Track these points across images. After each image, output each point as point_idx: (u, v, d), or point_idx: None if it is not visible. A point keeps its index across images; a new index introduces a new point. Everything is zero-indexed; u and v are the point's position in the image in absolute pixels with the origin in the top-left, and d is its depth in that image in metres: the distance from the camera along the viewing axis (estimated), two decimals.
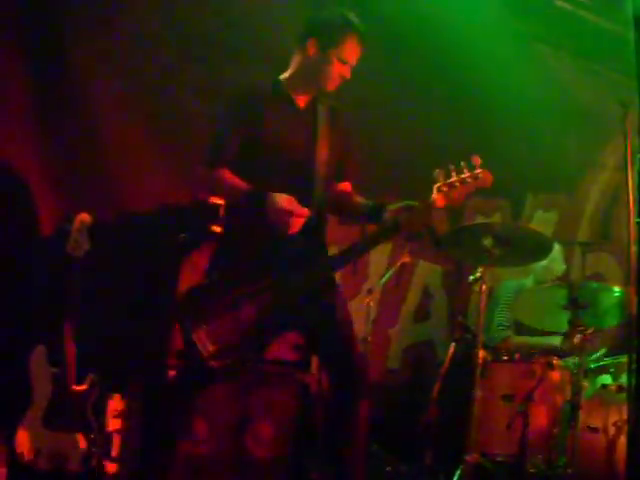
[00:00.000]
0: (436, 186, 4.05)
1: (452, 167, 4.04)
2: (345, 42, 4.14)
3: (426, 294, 6.46)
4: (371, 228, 4.24)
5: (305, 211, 4.01)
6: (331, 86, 4.21)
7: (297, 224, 3.99)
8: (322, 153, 4.22)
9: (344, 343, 4.12)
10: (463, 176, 4.05)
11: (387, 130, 6.16)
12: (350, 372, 4.09)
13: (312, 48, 4.17)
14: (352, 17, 4.19)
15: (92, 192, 5.29)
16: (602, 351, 5.58)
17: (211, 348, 3.95)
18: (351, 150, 4.40)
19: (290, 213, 3.96)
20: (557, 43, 6.60)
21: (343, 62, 4.16)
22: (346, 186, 4.38)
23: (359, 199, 4.33)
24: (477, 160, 4.05)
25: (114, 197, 5.35)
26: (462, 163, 4.05)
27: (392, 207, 4.11)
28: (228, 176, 4.11)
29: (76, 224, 4.77)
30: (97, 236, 4.79)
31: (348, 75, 4.20)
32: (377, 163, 6.02)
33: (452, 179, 4.05)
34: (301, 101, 4.27)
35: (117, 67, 5.41)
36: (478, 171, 4.06)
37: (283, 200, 3.98)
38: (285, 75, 4.27)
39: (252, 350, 4.05)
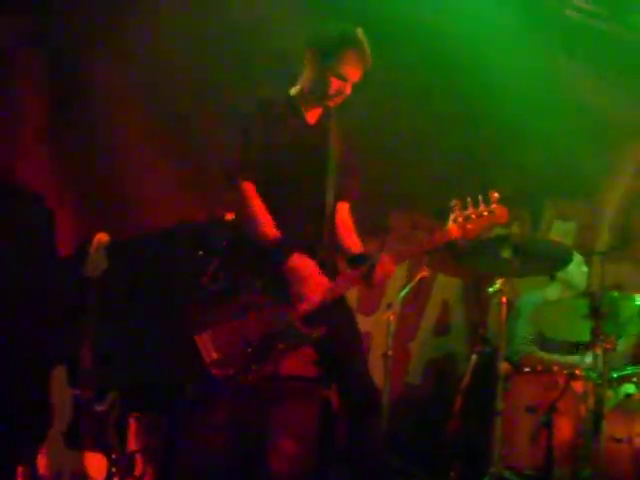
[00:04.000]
0: (452, 217, 4.08)
1: (469, 200, 4.06)
2: (343, 58, 4.02)
3: (445, 308, 6.44)
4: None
5: (323, 281, 3.99)
6: (331, 102, 4.14)
7: (313, 295, 3.98)
8: (333, 170, 4.16)
9: (353, 363, 4.12)
10: (479, 209, 4.07)
11: (397, 140, 6.14)
12: (359, 392, 4.09)
13: (311, 62, 4.11)
14: (354, 32, 4.06)
15: (110, 211, 5.30)
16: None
17: (214, 355, 3.95)
18: (357, 170, 4.35)
19: (306, 282, 3.96)
20: (571, 52, 6.59)
21: (342, 79, 4.06)
22: (344, 207, 4.32)
23: (347, 239, 4.28)
24: (494, 195, 4.07)
25: (132, 216, 5.36)
26: (480, 197, 4.07)
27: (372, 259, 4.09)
28: (253, 199, 4.07)
29: (94, 244, 4.79)
30: (115, 254, 4.80)
31: (348, 92, 4.11)
32: (386, 176, 6.03)
33: (469, 211, 4.08)
34: (311, 117, 4.23)
35: (133, 86, 5.42)
36: (494, 206, 4.08)
37: (302, 267, 3.97)
38: (294, 90, 4.22)
39: (256, 362, 4.03)
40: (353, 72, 4.07)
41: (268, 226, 4.05)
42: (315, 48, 4.09)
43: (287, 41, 5.16)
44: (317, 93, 4.13)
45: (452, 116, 6.31)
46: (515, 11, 6.24)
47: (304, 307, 3.98)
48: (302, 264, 3.99)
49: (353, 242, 4.26)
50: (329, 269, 4.12)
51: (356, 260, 4.17)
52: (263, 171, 4.10)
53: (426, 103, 6.22)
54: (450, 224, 4.08)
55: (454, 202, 4.09)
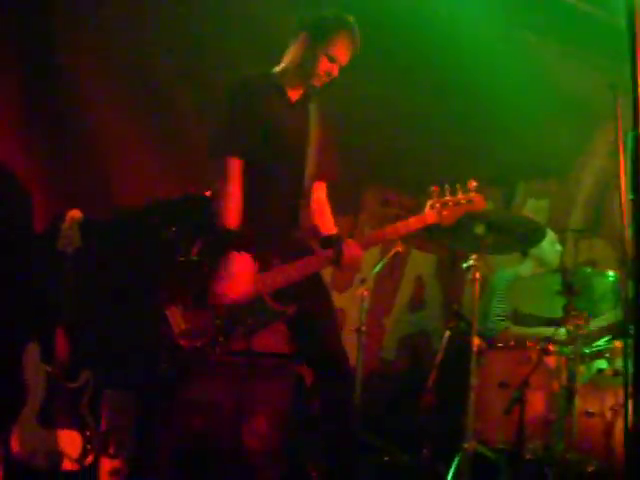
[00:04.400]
0: (429, 202, 4.14)
1: (447, 187, 4.13)
2: (335, 39, 4.15)
3: (420, 283, 6.46)
4: None
5: (246, 287, 3.98)
6: (317, 82, 4.22)
7: (230, 293, 3.98)
8: (312, 150, 4.23)
9: (326, 339, 4.17)
10: (457, 197, 4.15)
11: (376, 122, 6.16)
12: (332, 368, 4.14)
13: (303, 42, 4.19)
14: (347, 17, 4.20)
15: (83, 188, 5.29)
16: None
17: (183, 326, 3.97)
18: (334, 150, 4.39)
19: (230, 278, 3.97)
20: (543, 30, 6.59)
21: (331, 59, 4.17)
22: (321, 187, 4.36)
23: (320, 219, 4.32)
24: (472, 184, 4.15)
25: (105, 193, 5.35)
26: (457, 185, 4.14)
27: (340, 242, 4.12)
28: (234, 178, 4.07)
29: (67, 221, 4.78)
30: (88, 232, 4.79)
31: (335, 73, 4.20)
32: (358, 155, 6.04)
33: (446, 198, 4.15)
34: (293, 95, 4.29)
35: (106, 65, 5.40)
36: (472, 195, 4.16)
37: (235, 264, 3.97)
38: (278, 68, 4.28)
39: (224, 335, 4.04)
40: (342, 54, 4.18)
41: (234, 213, 4.04)
42: (308, 28, 4.19)
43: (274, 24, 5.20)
44: (305, 72, 4.20)
45: (426, 96, 6.31)
46: None
47: (216, 301, 3.99)
48: (238, 262, 3.99)
49: (326, 223, 4.29)
50: (303, 249, 4.15)
51: (326, 241, 4.21)
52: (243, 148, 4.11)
53: (401, 83, 6.23)
54: (427, 210, 4.15)
55: (432, 188, 4.14)
